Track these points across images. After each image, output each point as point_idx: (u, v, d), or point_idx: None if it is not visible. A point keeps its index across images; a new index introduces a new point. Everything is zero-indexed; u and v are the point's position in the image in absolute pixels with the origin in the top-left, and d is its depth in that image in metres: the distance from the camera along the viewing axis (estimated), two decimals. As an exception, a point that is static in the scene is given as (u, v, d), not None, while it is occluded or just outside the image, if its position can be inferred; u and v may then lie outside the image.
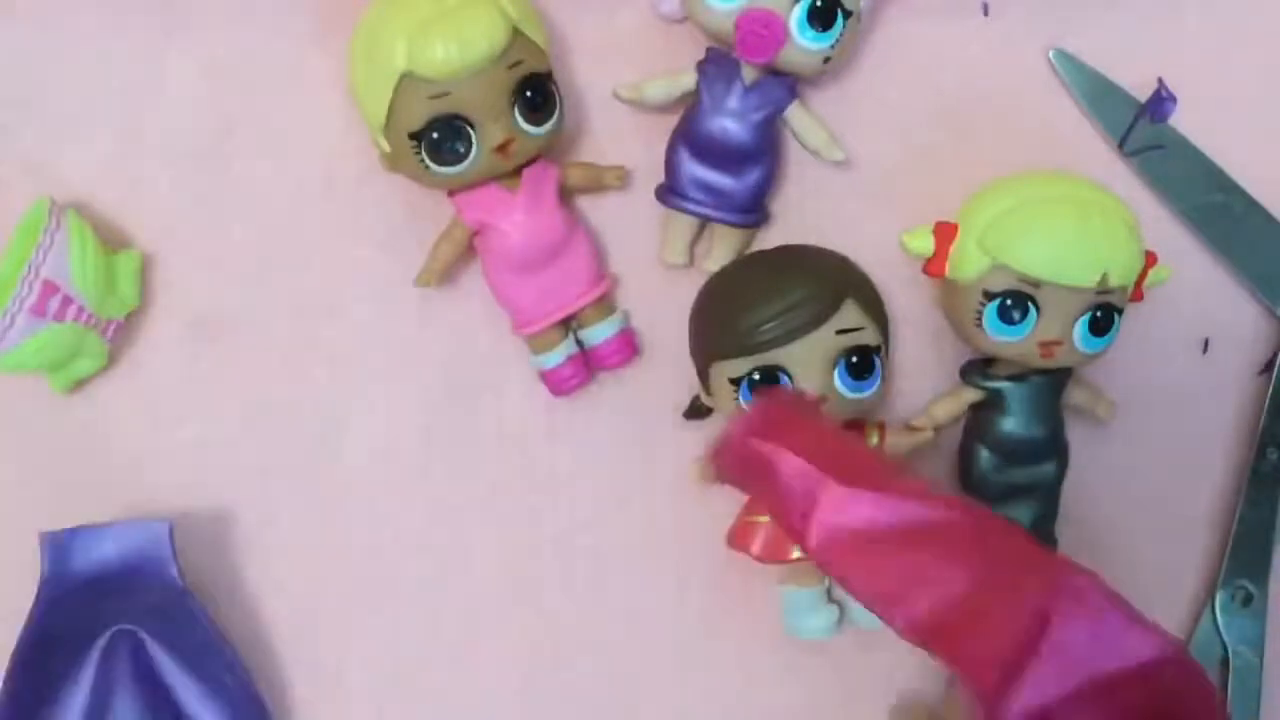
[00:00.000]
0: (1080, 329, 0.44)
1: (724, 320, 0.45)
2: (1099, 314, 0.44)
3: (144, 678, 0.45)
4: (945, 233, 0.45)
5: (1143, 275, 0.45)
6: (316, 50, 0.48)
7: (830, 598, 0.47)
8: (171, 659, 0.45)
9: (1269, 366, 0.50)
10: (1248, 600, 0.50)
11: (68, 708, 0.44)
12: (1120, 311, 0.45)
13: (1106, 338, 0.45)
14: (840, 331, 0.44)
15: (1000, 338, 0.44)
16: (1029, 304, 0.44)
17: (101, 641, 0.44)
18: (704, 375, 0.46)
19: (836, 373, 0.44)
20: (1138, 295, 0.46)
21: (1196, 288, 0.50)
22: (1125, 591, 0.49)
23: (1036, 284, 0.43)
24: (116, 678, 0.44)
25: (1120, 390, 0.49)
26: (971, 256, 0.44)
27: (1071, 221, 0.43)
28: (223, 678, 0.45)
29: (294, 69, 0.48)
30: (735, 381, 0.44)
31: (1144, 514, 0.50)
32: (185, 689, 0.45)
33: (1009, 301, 0.44)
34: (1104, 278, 0.43)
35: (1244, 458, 0.50)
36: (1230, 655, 0.49)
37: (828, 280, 0.44)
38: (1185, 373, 0.50)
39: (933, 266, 0.45)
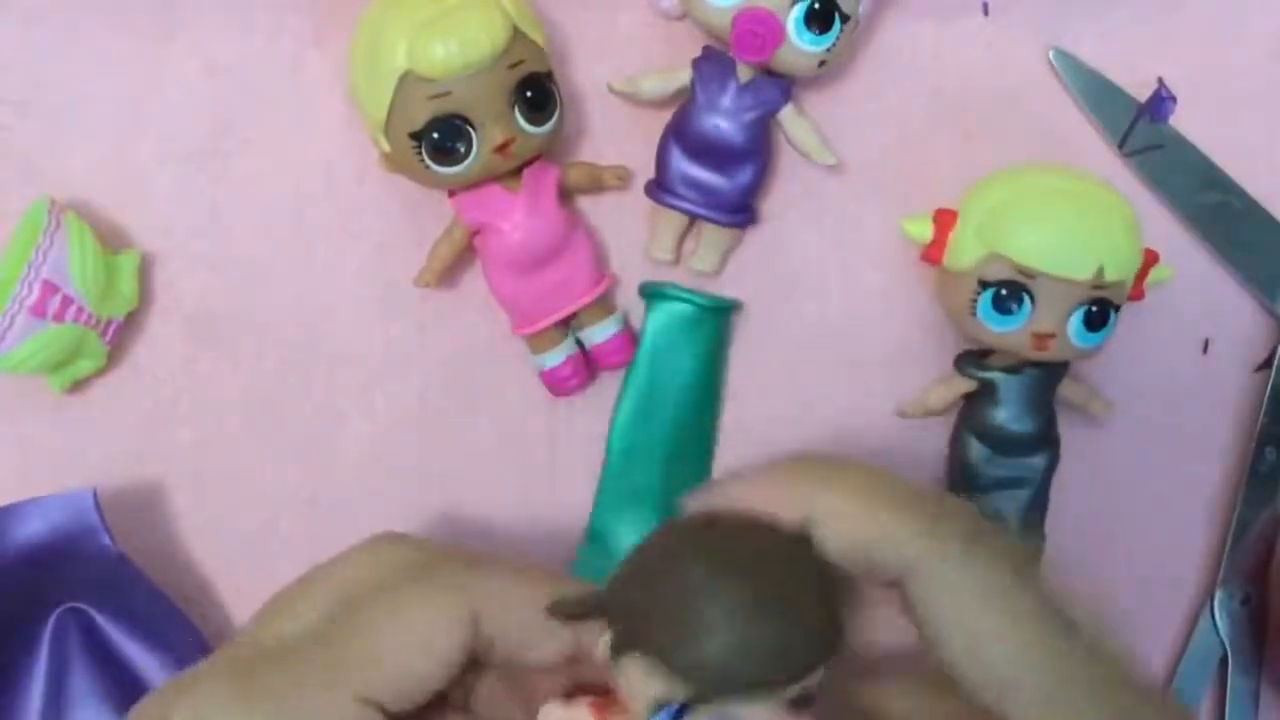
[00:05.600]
0: (1075, 323, 0.44)
1: (672, 633, 0.28)
2: (1094, 309, 0.44)
3: (98, 654, 0.44)
4: (945, 220, 0.45)
5: (1143, 273, 0.45)
6: (316, 50, 0.48)
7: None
8: (121, 630, 0.44)
9: (1267, 363, 0.50)
10: (1246, 600, 0.50)
11: (24, 696, 0.43)
12: (1116, 308, 0.44)
13: (1101, 334, 0.44)
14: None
15: (994, 327, 0.44)
16: (1024, 295, 0.44)
17: (49, 624, 0.43)
18: (615, 651, 0.29)
19: None
20: (1138, 293, 0.46)
21: (1196, 287, 0.50)
22: (1124, 592, 0.50)
23: (1032, 274, 0.43)
24: (70, 658, 0.44)
25: (1119, 389, 0.49)
26: (969, 245, 0.44)
27: (1069, 213, 0.43)
28: (174, 640, 0.44)
29: (294, 69, 0.48)
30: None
31: (1143, 513, 0.50)
32: (142, 657, 0.44)
33: (1004, 291, 0.44)
34: (1099, 271, 0.43)
35: (1243, 457, 0.50)
36: (1229, 655, 0.50)
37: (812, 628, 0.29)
38: (1184, 372, 0.50)
39: (931, 253, 0.45)
